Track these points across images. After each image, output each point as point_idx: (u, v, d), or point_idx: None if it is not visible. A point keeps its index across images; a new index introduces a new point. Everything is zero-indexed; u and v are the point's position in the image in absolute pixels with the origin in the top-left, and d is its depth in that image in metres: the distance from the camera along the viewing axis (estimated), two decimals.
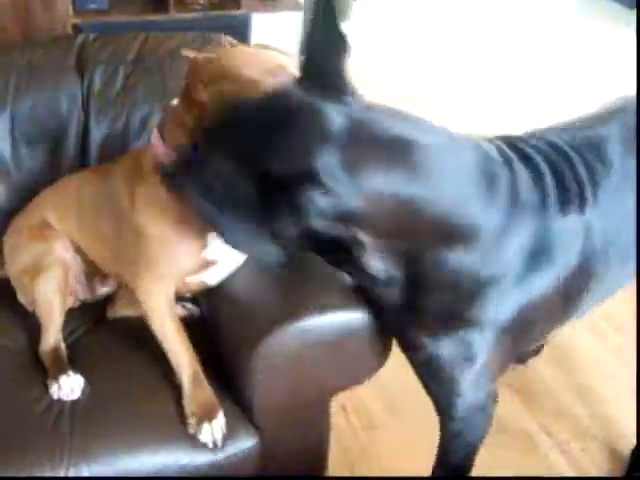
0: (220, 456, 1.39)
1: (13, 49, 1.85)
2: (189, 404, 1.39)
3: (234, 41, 1.45)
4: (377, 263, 1.21)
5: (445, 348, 1.31)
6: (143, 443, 1.38)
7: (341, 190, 1.07)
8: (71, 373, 1.45)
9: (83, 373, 1.46)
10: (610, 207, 1.34)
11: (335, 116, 1.10)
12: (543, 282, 1.28)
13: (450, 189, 1.15)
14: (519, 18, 4.51)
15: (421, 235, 1.18)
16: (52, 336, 1.52)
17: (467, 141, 1.24)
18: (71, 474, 1.32)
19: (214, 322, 1.57)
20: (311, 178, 1.05)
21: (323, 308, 1.38)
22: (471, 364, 1.33)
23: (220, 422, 1.38)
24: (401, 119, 1.17)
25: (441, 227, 1.17)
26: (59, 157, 1.77)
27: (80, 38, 1.83)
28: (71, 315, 1.59)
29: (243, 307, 1.49)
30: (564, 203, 1.28)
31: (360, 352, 1.42)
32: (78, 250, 1.58)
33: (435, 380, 1.39)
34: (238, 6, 3.42)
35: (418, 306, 1.29)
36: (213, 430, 1.37)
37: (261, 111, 1.14)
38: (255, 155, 1.10)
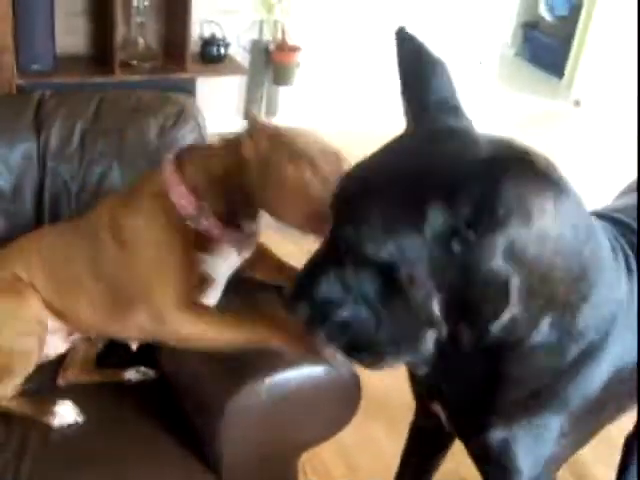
0: None
1: None
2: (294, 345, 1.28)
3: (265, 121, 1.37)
4: (505, 316, 0.99)
5: (519, 437, 1.15)
6: None
7: (516, 221, 0.89)
8: (59, 401, 1.45)
9: None
10: None
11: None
12: (629, 349, 1.15)
13: (592, 247, 1.03)
14: None
15: (555, 292, 1.01)
16: (12, 386, 1.48)
17: None
18: None
19: (177, 381, 1.54)
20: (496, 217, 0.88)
21: (291, 363, 1.36)
22: (543, 456, 1.18)
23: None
24: None
25: (573, 287, 1.02)
26: (15, 214, 1.73)
27: (37, 95, 1.81)
28: None
29: (208, 364, 1.46)
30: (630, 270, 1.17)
31: (330, 406, 1.41)
32: (55, 310, 1.54)
33: (496, 471, 1.22)
34: (183, 69, 3.47)
35: (497, 377, 1.12)
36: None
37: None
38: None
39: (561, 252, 0.96)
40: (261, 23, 3.88)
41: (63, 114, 1.79)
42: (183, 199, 1.36)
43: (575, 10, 5.31)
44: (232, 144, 1.35)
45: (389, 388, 2.28)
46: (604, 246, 1.09)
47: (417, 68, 1.10)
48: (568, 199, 0.95)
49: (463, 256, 0.91)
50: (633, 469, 1.97)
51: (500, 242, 0.90)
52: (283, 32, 3.88)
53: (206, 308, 1.39)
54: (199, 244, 1.39)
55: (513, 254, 0.92)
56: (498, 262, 0.92)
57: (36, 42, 3.13)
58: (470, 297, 0.96)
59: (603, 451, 2.18)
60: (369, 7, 4.11)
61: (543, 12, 5.64)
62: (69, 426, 1.44)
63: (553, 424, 1.15)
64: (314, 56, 4.04)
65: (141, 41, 3.49)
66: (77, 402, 1.50)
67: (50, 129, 1.77)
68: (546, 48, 5.62)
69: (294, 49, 3.89)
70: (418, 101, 1.08)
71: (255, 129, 1.32)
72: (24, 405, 1.48)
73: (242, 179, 1.33)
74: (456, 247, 0.90)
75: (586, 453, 2.16)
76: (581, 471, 2.13)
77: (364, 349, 1.02)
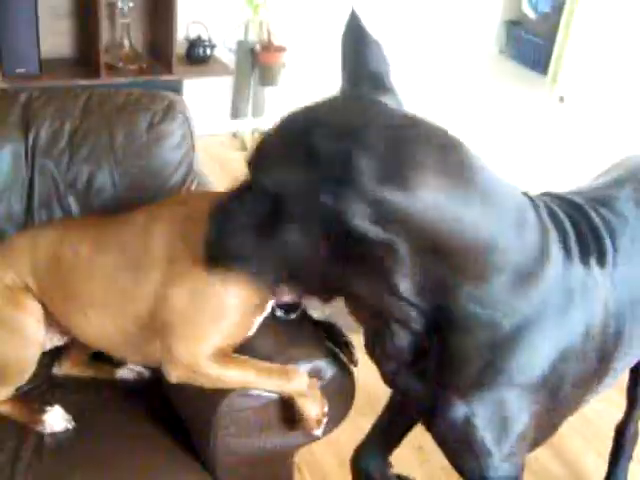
0: None
1: None
2: (308, 411, 1.33)
3: None
4: (407, 284, 1.06)
5: (479, 412, 1.18)
6: None
7: (390, 187, 0.96)
8: (49, 407, 1.45)
9: None
10: (630, 261, 1.28)
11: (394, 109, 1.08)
12: (574, 329, 1.20)
13: (496, 220, 1.08)
14: (435, 81, 4.70)
15: (459, 261, 1.06)
16: (11, 390, 1.48)
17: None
18: None
19: (172, 386, 1.52)
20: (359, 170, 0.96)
21: (288, 360, 1.36)
22: (507, 433, 1.20)
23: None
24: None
25: (481, 257, 1.07)
26: (5, 214, 1.72)
27: (24, 95, 1.80)
28: None
29: None
30: (584, 255, 1.22)
31: (328, 402, 1.40)
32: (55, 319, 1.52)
33: (464, 453, 1.24)
34: (170, 71, 3.46)
35: (446, 354, 1.15)
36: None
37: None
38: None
39: (449, 223, 1.02)
40: (247, 24, 3.88)
41: (51, 112, 1.78)
42: None
43: (558, 7, 5.33)
44: None
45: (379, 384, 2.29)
46: (527, 225, 1.13)
47: (355, 44, 1.23)
48: (462, 176, 1.03)
49: (333, 209, 0.98)
50: (624, 462, 1.98)
51: (361, 204, 0.96)
52: (269, 33, 3.88)
53: (231, 360, 1.31)
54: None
55: (390, 219, 0.98)
56: (365, 223, 0.98)
57: (20, 45, 3.12)
58: (358, 255, 1.04)
59: (593, 440, 2.21)
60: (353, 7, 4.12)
61: (526, 10, 5.66)
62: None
63: (508, 400, 1.18)
64: (299, 56, 4.04)
65: (126, 43, 3.49)
66: (71, 402, 1.50)
67: (38, 128, 1.76)
68: (530, 45, 5.64)
69: (280, 49, 3.88)
70: (351, 73, 1.18)
71: None
72: (16, 410, 1.48)
73: None
74: (324, 197, 0.98)
75: (576, 442, 2.19)
76: (571, 460, 2.14)
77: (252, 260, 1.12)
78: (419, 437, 2.14)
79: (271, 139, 1.11)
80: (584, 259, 1.22)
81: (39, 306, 1.48)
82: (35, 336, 1.48)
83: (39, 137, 1.76)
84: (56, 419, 1.44)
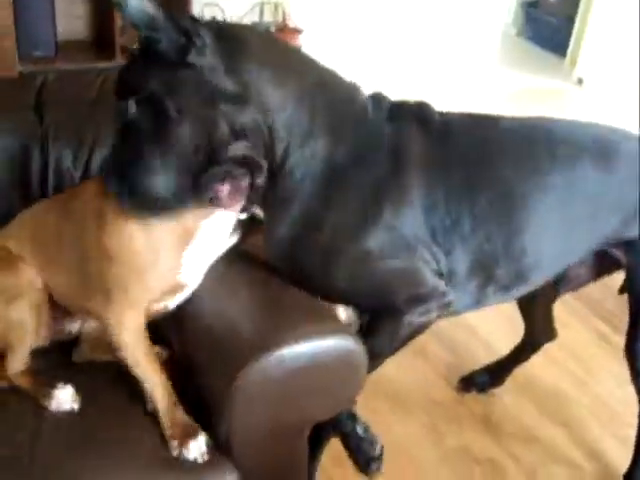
0: None
1: None
2: (168, 428, 1.38)
3: None
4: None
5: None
6: (126, 468, 1.35)
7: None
8: (61, 384, 1.44)
9: None
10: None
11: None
12: None
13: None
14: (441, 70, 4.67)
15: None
16: (20, 359, 1.49)
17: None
18: None
19: (187, 359, 1.54)
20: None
21: (301, 335, 1.36)
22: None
23: (203, 438, 1.37)
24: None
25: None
26: (20, 200, 1.71)
27: (39, 78, 1.81)
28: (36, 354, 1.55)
29: (217, 339, 1.45)
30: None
31: (339, 379, 1.40)
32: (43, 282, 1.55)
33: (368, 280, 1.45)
34: None
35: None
36: (199, 446, 1.36)
37: None
38: None
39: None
40: (262, 5, 3.87)
41: (65, 97, 1.79)
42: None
43: None
44: None
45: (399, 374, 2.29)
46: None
47: None
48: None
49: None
50: None
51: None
52: (284, 14, 3.87)
53: (142, 334, 1.43)
54: (185, 237, 1.40)
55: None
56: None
57: (37, 28, 3.14)
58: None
59: (609, 424, 2.20)
60: None
61: None
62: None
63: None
64: (316, 38, 4.02)
65: None
66: (84, 380, 1.51)
67: (52, 113, 1.75)
68: (548, 27, 5.59)
69: (295, 31, 3.87)
70: None
71: None
72: (28, 382, 1.48)
73: None
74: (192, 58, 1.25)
75: (594, 426, 2.19)
76: (591, 446, 2.14)
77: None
78: (432, 415, 2.18)
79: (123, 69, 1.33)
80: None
81: (29, 266, 1.52)
82: (28, 285, 1.50)
83: (52, 123, 1.75)
84: (65, 397, 1.44)
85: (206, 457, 1.36)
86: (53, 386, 1.45)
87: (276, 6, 3.87)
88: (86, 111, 1.78)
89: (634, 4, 4.76)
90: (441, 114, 1.58)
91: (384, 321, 1.50)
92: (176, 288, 1.46)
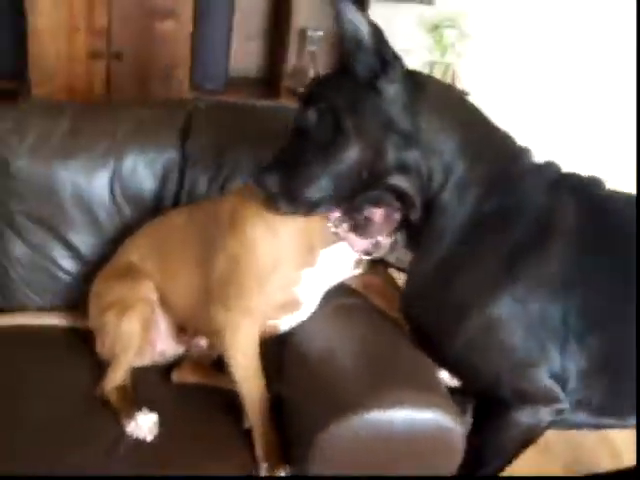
0: None
1: (123, 106, 1.90)
2: (261, 449, 1.37)
3: None
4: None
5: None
6: None
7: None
8: (146, 411, 1.44)
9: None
10: None
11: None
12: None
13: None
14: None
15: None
16: (122, 373, 1.52)
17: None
18: None
19: (284, 394, 1.51)
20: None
21: (395, 402, 1.29)
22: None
23: (288, 469, 1.35)
24: None
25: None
26: (153, 215, 1.76)
27: (191, 104, 1.86)
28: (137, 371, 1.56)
29: (316, 385, 1.41)
30: None
31: (429, 455, 1.31)
32: (160, 296, 1.58)
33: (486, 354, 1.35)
34: None
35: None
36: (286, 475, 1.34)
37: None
38: None
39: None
40: (432, 64, 3.84)
41: (211, 125, 1.83)
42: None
43: None
44: None
45: None
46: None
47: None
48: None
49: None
50: None
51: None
52: (453, 75, 3.82)
53: (255, 345, 1.42)
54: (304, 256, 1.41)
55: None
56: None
57: (211, 62, 3.27)
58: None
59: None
60: (545, 64, 3.97)
61: None
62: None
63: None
64: (482, 103, 3.94)
65: (311, 69, 3.56)
66: (178, 406, 1.51)
67: (196, 138, 1.80)
68: None
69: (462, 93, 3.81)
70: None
71: None
72: (119, 398, 1.49)
73: None
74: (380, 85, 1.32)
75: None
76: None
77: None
78: None
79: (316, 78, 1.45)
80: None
81: (148, 280, 1.56)
82: (142, 300, 1.54)
83: (194, 149, 1.79)
84: (145, 423, 1.43)
85: None
86: (139, 409, 1.45)
87: (447, 66, 3.83)
88: (228, 141, 1.81)
89: None
90: (609, 192, 1.47)
91: (491, 415, 1.40)
92: (292, 304, 1.45)
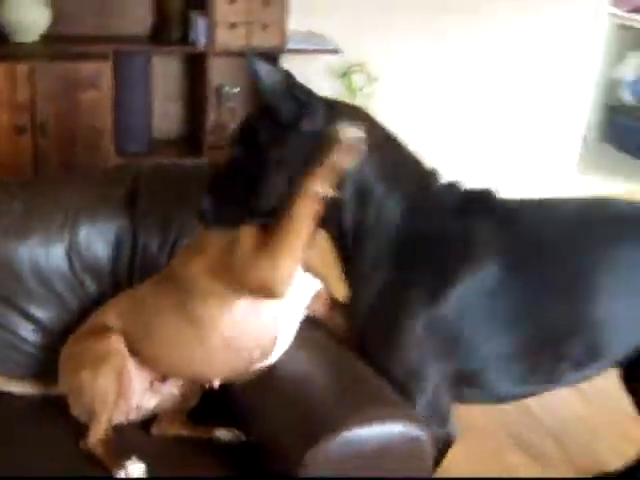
0: None
1: (67, 183, 1.97)
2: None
3: None
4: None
5: None
6: None
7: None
8: (135, 460, 1.50)
9: None
10: None
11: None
12: None
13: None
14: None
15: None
16: (104, 426, 1.56)
17: None
18: None
19: (256, 436, 1.60)
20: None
21: (369, 419, 1.41)
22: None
23: None
24: None
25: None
26: (110, 282, 1.84)
27: (134, 169, 1.94)
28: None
29: (286, 417, 1.51)
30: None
31: (404, 465, 1.43)
32: (133, 349, 1.64)
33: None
34: None
35: None
36: None
37: None
38: None
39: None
40: None
41: (156, 188, 1.90)
42: None
43: None
44: None
45: None
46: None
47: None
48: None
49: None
50: None
51: None
52: None
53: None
54: None
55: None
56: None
57: (134, 126, 3.36)
58: None
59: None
60: (451, 97, 4.22)
61: (625, 96, 5.64)
62: None
63: None
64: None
65: (231, 125, 3.68)
66: (162, 455, 1.58)
67: (141, 205, 1.87)
68: (631, 131, 5.59)
69: None
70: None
71: None
72: (104, 451, 1.54)
73: None
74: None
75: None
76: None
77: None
78: None
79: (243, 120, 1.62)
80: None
81: (121, 339, 1.63)
82: (115, 355, 1.61)
83: (142, 214, 1.86)
84: (135, 471, 1.49)
85: None
86: (127, 458, 1.50)
87: None
88: (173, 202, 1.89)
89: None
90: (506, 201, 1.68)
91: None
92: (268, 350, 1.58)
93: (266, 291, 1.51)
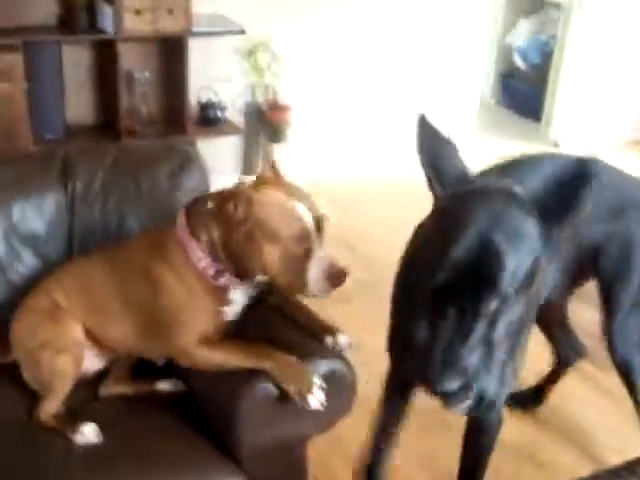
0: None
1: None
2: (287, 385, 1.54)
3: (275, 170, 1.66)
4: None
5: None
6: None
7: None
8: (86, 421, 1.64)
9: None
10: None
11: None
12: None
13: None
14: None
15: None
16: (56, 403, 1.68)
17: None
18: None
19: (199, 387, 1.75)
20: None
21: (308, 353, 1.59)
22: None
23: (318, 384, 1.54)
24: None
25: None
26: (48, 255, 1.95)
27: (62, 151, 2.06)
28: None
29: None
30: None
31: (329, 398, 1.58)
32: (88, 331, 1.76)
33: None
34: (184, 133, 3.75)
35: None
36: (316, 396, 1.53)
37: None
38: None
39: None
40: (253, 87, 4.18)
41: (85, 166, 2.03)
42: (202, 262, 1.60)
43: (547, 57, 5.64)
44: (223, 206, 1.56)
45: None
46: None
47: (433, 148, 1.44)
48: None
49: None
50: None
51: None
52: (274, 94, 4.17)
53: (218, 345, 1.63)
54: (219, 298, 1.64)
55: None
56: None
57: (49, 114, 3.43)
58: None
59: None
60: (353, 69, 4.43)
61: (518, 61, 5.97)
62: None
63: None
64: (304, 114, 4.33)
65: (144, 109, 3.79)
66: (111, 414, 1.71)
67: (75, 180, 1.99)
68: (523, 95, 5.93)
69: (285, 108, 4.17)
70: (441, 176, 1.40)
71: (237, 194, 1.55)
72: (59, 422, 1.68)
73: (232, 245, 1.57)
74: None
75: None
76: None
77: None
78: None
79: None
80: None
81: (76, 320, 1.73)
82: (74, 342, 1.71)
83: (76, 189, 1.99)
84: (90, 432, 1.63)
85: (325, 404, 1.54)
86: (80, 423, 1.64)
87: (266, 87, 4.18)
88: (103, 179, 2.02)
89: (598, 69, 5.13)
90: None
91: None
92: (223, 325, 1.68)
93: (181, 355, 1.65)
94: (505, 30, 6.16)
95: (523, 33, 6.01)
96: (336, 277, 1.52)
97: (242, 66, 4.08)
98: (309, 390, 1.52)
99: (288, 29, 4.15)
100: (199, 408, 1.73)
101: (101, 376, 1.83)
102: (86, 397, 1.78)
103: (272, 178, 1.63)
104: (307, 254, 1.52)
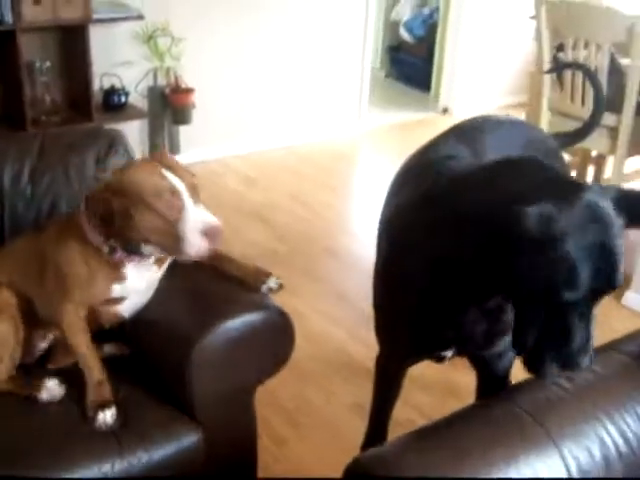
0: (169, 452, 1.69)
1: None
2: (89, 396, 1.70)
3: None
4: None
5: None
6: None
7: None
8: (47, 377, 1.76)
9: None
10: None
11: None
12: None
13: None
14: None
15: None
16: (7, 366, 1.77)
17: None
18: None
19: (148, 346, 1.88)
20: None
21: (235, 312, 1.73)
22: None
23: (112, 411, 1.68)
24: None
25: None
26: None
27: None
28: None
29: (168, 329, 1.81)
30: None
31: (271, 343, 1.76)
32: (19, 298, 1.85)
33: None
34: (89, 119, 3.80)
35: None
36: (106, 417, 1.67)
37: None
38: None
39: None
40: (155, 71, 4.26)
41: (13, 154, 2.10)
42: (95, 240, 1.73)
43: (431, 29, 5.94)
44: (101, 188, 1.70)
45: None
46: None
47: None
48: None
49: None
50: None
51: None
52: (176, 77, 4.26)
53: (84, 333, 1.76)
54: (113, 272, 1.76)
55: None
56: None
57: None
58: None
59: None
60: (251, 49, 4.57)
61: (404, 35, 6.25)
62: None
63: None
64: (209, 95, 4.45)
65: (47, 98, 3.81)
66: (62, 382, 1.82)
67: (3, 168, 2.07)
68: (412, 67, 6.22)
69: (188, 91, 4.27)
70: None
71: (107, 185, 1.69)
72: (17, 386, 1.77)
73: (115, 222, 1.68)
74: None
75: None
76: None
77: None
78: None
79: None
80: None
81: (9, 292, 1.83)
82: (6, 304, 1.80)
83: (4, 176, 2.06)
84: (54, 386, 1.75)
85: (113, 428, 1.67)
86: (41, 381, 1.75)
87: (167, 70, 4.26)
88: (32, 165, 2.09)
89: (479, 38, 5.46)
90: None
91: None
92: (114, 301, 1.80)
93: (56, 314, 1.76)
94: (390, 5, 6.44)
95: (407, 7, 6.30)
96: (211, 233, 1.63)
97: (143, 51, 4.16)
98: (103, 409, 1.69)
99: (186, 12, 4.25)
100: (149, 370, 1.86)
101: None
102: (36, 372, 1.88)
103: (155, 156, 1.78)
104: (179, 217, 1.63)
